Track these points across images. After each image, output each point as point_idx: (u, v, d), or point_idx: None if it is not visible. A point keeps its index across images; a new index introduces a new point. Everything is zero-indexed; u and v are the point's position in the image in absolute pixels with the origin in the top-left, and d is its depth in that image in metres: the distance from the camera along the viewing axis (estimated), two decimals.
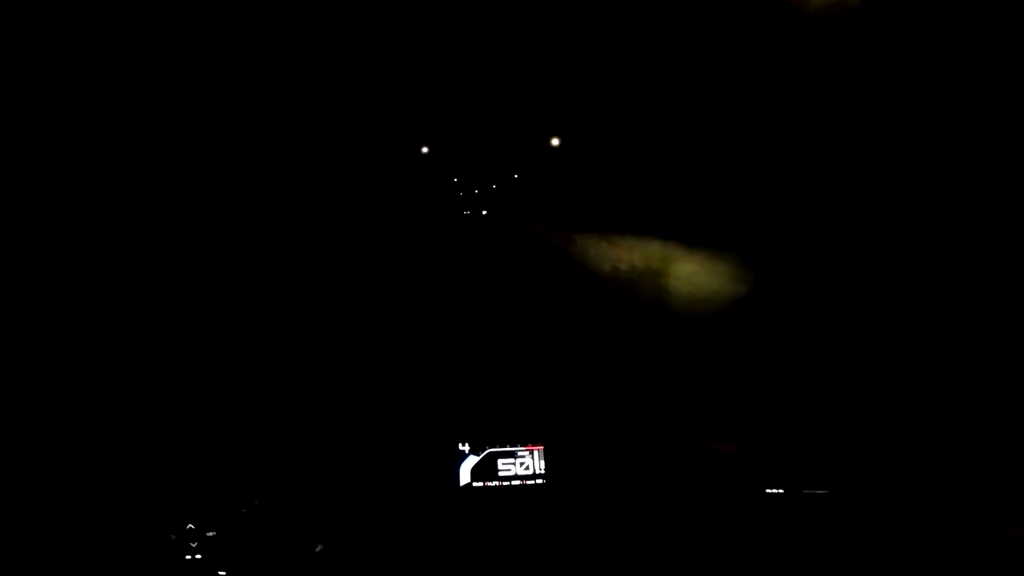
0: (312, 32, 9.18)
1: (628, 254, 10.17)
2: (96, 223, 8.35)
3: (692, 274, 9.53)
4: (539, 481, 7.99)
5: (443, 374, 8.62)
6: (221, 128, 9.03)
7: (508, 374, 8.65)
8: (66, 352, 7.92)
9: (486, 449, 8.04)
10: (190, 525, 6.72)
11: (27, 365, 7.63)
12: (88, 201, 8.28)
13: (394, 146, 11.19)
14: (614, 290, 10.14)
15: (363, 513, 7.49)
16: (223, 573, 6.65)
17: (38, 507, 6.92)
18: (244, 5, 8.76)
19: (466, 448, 8.01)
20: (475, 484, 7.96)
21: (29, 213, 7.90)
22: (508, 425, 8.13)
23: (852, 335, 8.41)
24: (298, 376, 8.58)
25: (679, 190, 9.79)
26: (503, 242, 12.12)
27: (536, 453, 8.07)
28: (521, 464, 8.05)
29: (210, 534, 6.74)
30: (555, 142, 11.33)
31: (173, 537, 6.72)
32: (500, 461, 8.03)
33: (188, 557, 6.69)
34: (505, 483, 7.98)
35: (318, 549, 6.88)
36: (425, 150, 11.52)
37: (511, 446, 8.06)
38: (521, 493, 7.92)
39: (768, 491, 7.60)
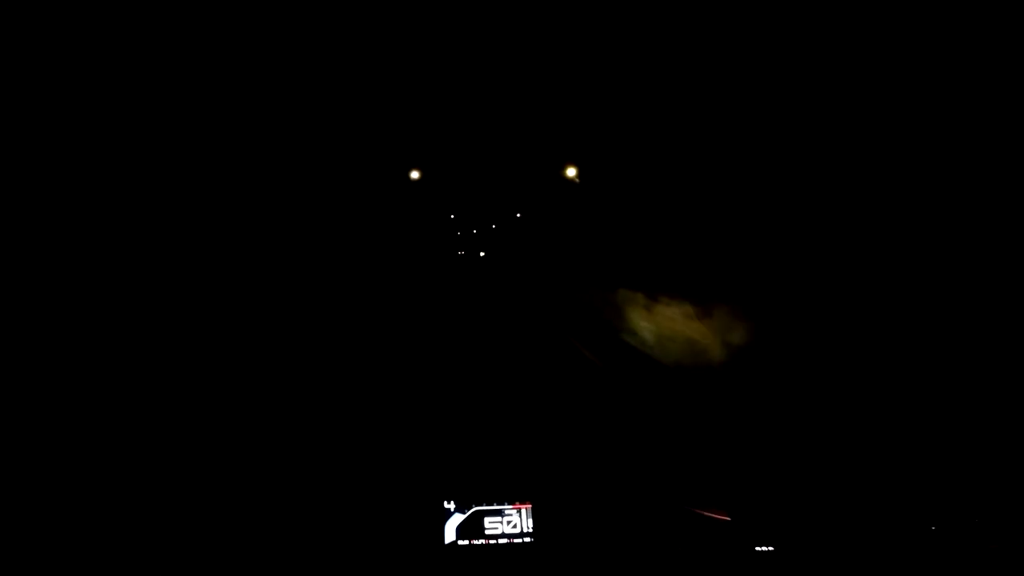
0: (310, 50, 9.09)
1: (629, 310, 10.07)
2: (96, 223, 8.27)
3: (683, 330, 9.44)
4: (527, 540, 7.78)
5: (428, 428, 8.42)
6: (219, 144, 8.96)
7: (496, 429, 8.46)
8: (66, 352, 7.82)
9: (472, 507, 7.85)
10: None
11: (27, 365, 7.54)
12: (88, 201, 8.21)
13: (391, 176, 11.04)
14: (609, 345, 10.00)
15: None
16: None
17: (38, 507, 6.90)
18: (247, 24, 8.69)
19: (451, 506, 7.83)
20: (461, 543, 7.76)
21: (29, 213, 7.84)
22: (495, 482, 7.94)
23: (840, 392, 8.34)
24: (281, 424, 8.39)
25: (673, 243, 9.73)
26: (496, 287, 12.00)
27: (524, 511, 7.87)
28: (508, 523, 7.85)
29: None
30: (567, 174, 11.02)
31: None
32: (487, 519, 7.83)
33: None
34: (492, 542, 7.77)
35: None
36: (415, 175, 11.17)
37: (498, 504, 7.87)
38: (508, 552, 7.72)
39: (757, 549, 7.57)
